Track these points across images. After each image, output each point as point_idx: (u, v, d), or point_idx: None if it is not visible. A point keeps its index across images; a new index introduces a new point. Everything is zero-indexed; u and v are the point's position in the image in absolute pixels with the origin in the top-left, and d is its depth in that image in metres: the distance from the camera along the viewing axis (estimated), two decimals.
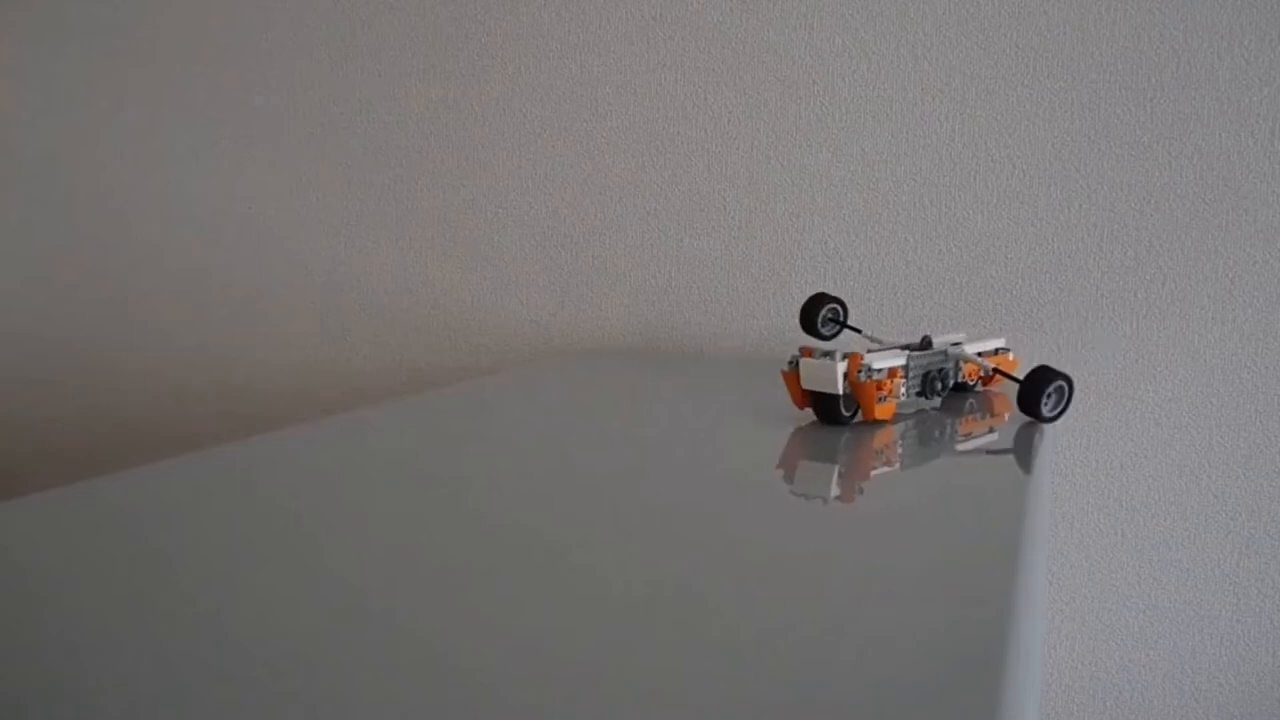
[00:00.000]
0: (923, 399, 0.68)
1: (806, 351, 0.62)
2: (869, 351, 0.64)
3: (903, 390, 0.65)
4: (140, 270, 1.21)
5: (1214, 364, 0.87)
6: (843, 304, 0.75)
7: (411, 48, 1.07)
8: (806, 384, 0.62)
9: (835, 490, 0.49)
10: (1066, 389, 0.64)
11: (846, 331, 0.77)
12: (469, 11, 1.05)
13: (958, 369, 0.70)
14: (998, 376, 0.74)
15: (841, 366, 0.61)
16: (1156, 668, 0.91)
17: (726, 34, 0.97)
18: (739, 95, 0.97)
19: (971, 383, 0.72)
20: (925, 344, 0.67)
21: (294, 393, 1.15)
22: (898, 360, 0.64)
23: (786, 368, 0.65)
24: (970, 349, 0.71)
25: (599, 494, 0.47)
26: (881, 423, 0.63)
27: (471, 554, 0.39)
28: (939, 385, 0.67)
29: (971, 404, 0.70)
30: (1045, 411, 0.63)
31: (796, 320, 0.97)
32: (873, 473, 0.52)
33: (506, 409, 0.68)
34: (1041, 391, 0.63)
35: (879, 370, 0.62)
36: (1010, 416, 0.66)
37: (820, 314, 0.74)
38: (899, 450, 0.56)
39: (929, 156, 0.92)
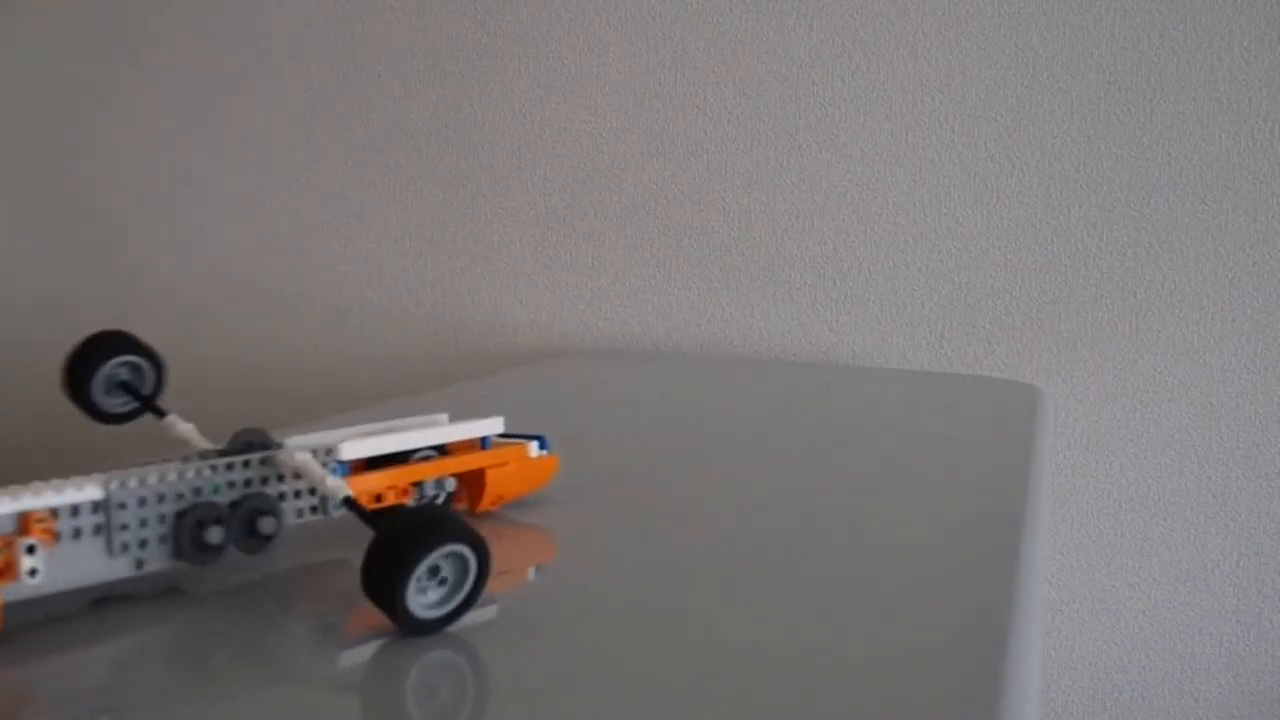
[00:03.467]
0: (184, 560, 0.33)
1: None
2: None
3: (33, 565, 0.29)
4: (138, 270, 1.21)
5: (1214, 364, 0.87)
6: (155, 358, 0.42)
7: (411, 48, 1.07)
8: None
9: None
10: (474, 563, 0.31)
11: (149, 417, 0.42)
12: (469, 11, 1.05)
13: (325, 496, 0.36)
14: (493, 487, 0.41)
15: None
16: (1156, 668, 0.91)
17: (726, 34, 0.97)
18: (739, 95, 0.97)
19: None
20: (243, 446, 0.36)
21: (293, 393, 1.15)
22: (78, 495, 0.31)
23: None
24: (398, 442, 0.39)
25: (599, 494, 0.47)
26: None
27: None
28: (202, 538, 0.33)
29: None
30: (416, 608, 0.30)
31: (796, 321, 0.97)
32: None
33: (506, 409, 0.68)
34: (411, 561, 0.29)
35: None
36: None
37: (102, 372, 0.41)
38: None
39: (929, 156, 0.92)
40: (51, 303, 1.26)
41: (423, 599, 0.30)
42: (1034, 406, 0.72)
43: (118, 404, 0.40)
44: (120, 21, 1.19)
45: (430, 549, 0.29)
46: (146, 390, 0.40)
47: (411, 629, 0.30)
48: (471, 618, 0.31)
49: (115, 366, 0.40)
